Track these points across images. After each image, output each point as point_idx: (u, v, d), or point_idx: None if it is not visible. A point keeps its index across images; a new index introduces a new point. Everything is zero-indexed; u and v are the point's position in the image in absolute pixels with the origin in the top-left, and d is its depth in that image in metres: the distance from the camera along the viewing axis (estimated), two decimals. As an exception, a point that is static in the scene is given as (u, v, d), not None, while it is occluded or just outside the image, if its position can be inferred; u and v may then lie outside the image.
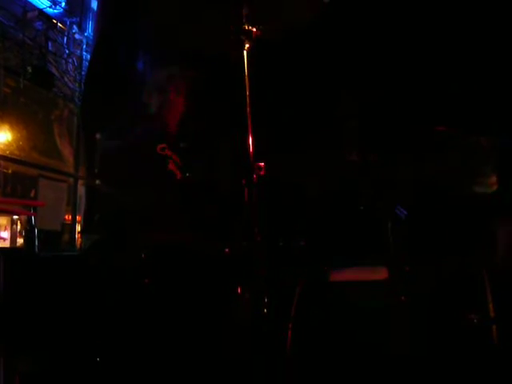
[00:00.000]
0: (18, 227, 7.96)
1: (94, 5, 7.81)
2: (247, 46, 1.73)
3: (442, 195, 2.35)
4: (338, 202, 2.47)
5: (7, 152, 6.84)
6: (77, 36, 7.72)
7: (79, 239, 7.06)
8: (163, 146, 2.61)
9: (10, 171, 7.08)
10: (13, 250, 5.49)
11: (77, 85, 7.42)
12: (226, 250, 2.39)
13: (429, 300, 1.88)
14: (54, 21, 7.36)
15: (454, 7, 2.43)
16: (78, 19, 7.78)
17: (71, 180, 7.86)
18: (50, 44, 7.18)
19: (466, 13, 2.41)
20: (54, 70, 7.09)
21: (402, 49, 2.52)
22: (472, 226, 2.24)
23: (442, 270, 1.96)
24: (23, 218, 6.77)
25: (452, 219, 2.27)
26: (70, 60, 7.45)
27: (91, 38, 7.23)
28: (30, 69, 6.41)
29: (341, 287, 2.07)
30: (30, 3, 6.96)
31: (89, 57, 6.90)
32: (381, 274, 1.99)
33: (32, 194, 7.23)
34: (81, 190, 7.58)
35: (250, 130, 1.61)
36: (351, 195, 2.44)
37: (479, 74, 2.44)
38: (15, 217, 7.32)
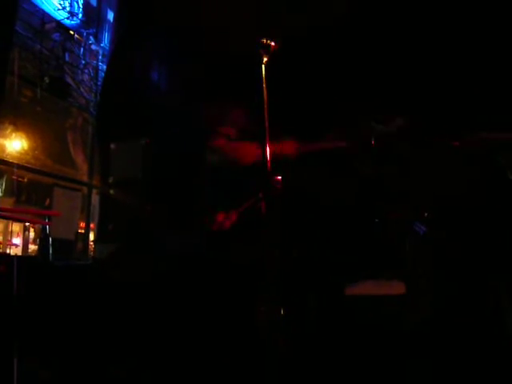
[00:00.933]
0: (31, 234, 8.03)
1: (111, 16, 7.94)
2: (265, 59, 1.74)
3: (458, 207, 2.33)
4: (354, 214, 2.46)
5: (23, 161, 6.92)
6: (93, 47, 7.84)
7: (92, 248, 7.09)
8: None
9: (25, 180, 7.16)
10: (28, 258, 5.55)
11: (92, 95, 7.52)
12: (241, 261, 2.39)
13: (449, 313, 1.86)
14: (71, 32, 7.47)
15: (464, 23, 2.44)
16: (95, 30, 7.90)
17: (85, 189, 7.92)
18: (66, 55, 7.28)
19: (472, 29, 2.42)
20: (70, 81, 7.19)
21: (419, 62, 2.52)
22: (491, 238, 2.21)
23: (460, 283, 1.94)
24: (37, 226, 6.84)
25: (470, 232, 2.24)
26: (86, 70, 7.55)
27: (107, 48, 7.34)
28: (47, 79, 6.50)
29: (356, 301, 2.05)
30: (48, 15, 7.09)
31: (105, 67, 7.00)
32: (397, 288, 1.97)
33: (47, 203, 7.29)
34: (94, 198, 7.62)
35: (267, 144, 1.61)
36: (367, 208, 2.43)
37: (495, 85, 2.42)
38: (27, 223, 7.38)
